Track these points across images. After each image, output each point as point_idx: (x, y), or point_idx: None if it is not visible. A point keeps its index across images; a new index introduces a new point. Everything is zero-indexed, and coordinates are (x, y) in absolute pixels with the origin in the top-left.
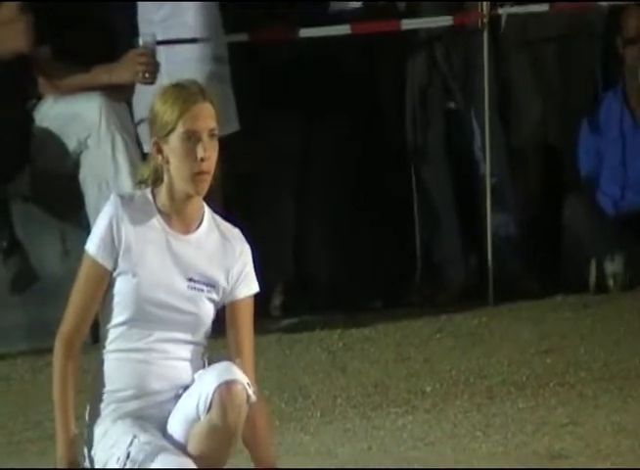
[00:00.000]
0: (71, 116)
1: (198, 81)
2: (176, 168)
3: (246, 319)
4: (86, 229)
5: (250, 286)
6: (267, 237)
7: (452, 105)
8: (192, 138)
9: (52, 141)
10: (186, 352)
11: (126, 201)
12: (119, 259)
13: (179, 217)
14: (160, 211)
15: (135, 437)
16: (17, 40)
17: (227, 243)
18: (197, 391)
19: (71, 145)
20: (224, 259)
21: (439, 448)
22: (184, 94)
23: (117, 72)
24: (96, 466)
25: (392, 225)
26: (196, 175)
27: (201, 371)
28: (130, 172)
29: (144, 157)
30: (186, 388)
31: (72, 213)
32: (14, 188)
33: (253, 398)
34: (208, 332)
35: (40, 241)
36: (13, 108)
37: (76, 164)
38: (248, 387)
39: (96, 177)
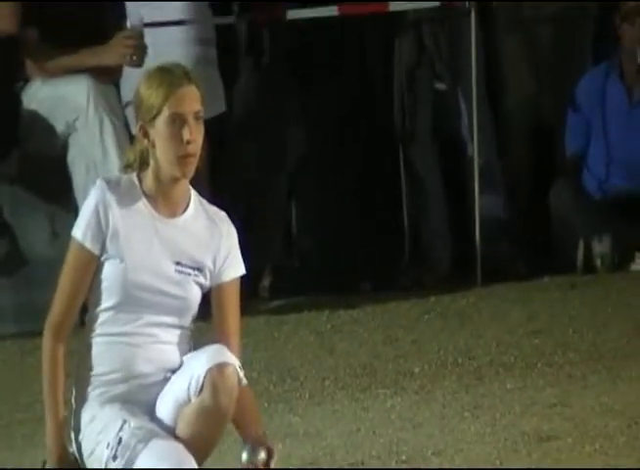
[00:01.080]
0: (59, 98)
1: (182, 64)
2: (162, 152)
3: (232, 302)
4: (74, 212)
5: (236, 268)
6: (257, 219)
7: (440, 86)
8: (177, 121)
9: (40, 123)
10: (173, 335)
11: (112, 185)
12: (107, 244)
13: (165, 201)
14: (146, 195)
15: (125, 422)
16: (4, 22)
17: (214, 226)
18: (187, 373)
19: (59, 127)
20: (211, 242)
21: (428, 430)
22: (169, 78)
23: (105, 55)
24: (84, 452)
25: (381, 207)
26: (182, 158)
27: (189, 354)
28: (118, 155)
29: (132, 139)
30: (173, 371)
31: (61, 196)
32: (1, 170)
33: (244, 381)
34: (195, 316)
35: (28, 224)
36: (0, 90)
37: (64, 147)
38: (239, 370)
39: (84, 159)
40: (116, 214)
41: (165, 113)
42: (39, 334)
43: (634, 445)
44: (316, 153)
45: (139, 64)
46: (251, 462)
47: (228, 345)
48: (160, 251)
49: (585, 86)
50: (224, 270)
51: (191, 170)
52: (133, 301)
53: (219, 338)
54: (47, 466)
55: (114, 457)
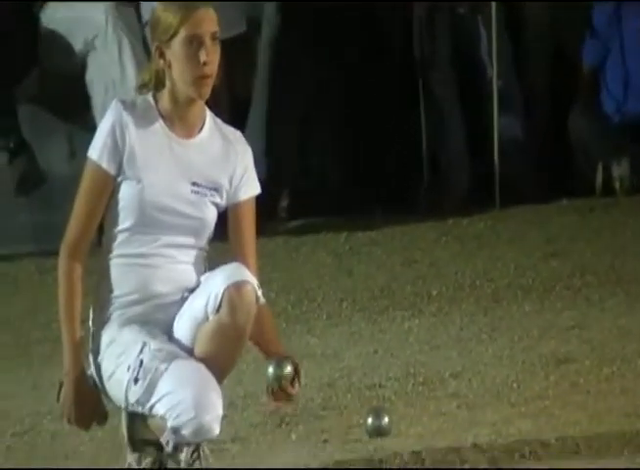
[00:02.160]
0: (78, 17)
1: None
2: (179, 73)
3: (248, 221)
4: (93, 131)
5: (252, 187)
6: (276, 141)
7: (461, 10)
8: (194, 42)
9: (59, 42)
10: (189, 256)
11: (128, 106)
12: (123, 165)
13: (182, 122)
14: (162, 116)
15: (145, 344)
16: None
17: (229, 145)
18: (205, 292)
19: (78, 46)
20: (227, 162)
21: (445, 352)
22: None
23: None
24: (103, 374)
25: (401, 132)
26: (199, 79)
27: (207, 273)
28: (137, 74)
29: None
30: (191, 291)
31: (79, 115)
32: (21, 89)
33: (262, 299)
34: (211, 236)
35: (47, 142)
36: (19, 10)
37: (83, 66)
38: (257, 288)
39: (103, 79)
40: (133, 135)
41: (182, 34)
42: (57, 253)
43: None
44: (336, 78)
45: None
46: (277, 377)
47: (246, 264)
48: (176, 171)
49: (603, 11)
50: (240, 188)
51: (207, 91)
52: (150, 221)
53: (236, 257)
54: (64, 388)
55: (136, 380)
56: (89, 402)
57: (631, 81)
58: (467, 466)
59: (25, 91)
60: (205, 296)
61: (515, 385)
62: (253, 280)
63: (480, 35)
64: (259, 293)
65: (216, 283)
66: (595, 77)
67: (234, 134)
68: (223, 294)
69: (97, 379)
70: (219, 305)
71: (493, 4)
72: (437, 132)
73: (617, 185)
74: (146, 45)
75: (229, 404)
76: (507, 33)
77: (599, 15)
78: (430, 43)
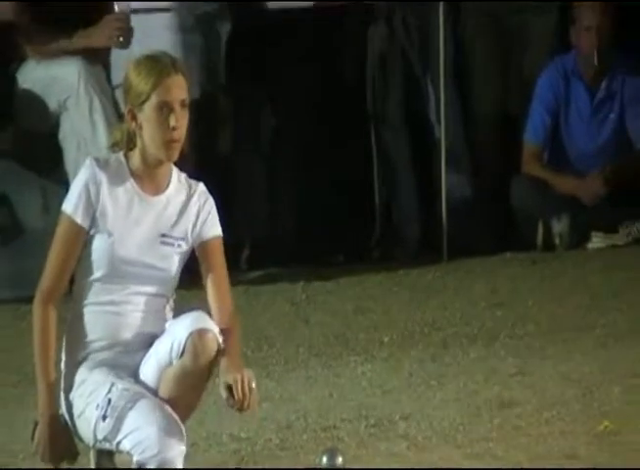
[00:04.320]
0: (52, 78)
1: (169, 53)
2: (150, 136)
3: (217, 258)
4: (66, 185)
5: (215, 227)
6: (238, 196)
7: (410, 73)
8: (164, 108)
9: (34, 102)
10: (156, 304)
11: (102, 164)
12: (96, 219)
13: (151, 180)
14: (132, 175)
15: (113, 384)
16: (2, 8)
17: (193, 196)
18: (169, 338)
19: (52, 106)
20: (191, 210)
21: (396, 396)
22: (158, 66)
23: (94, 37)
24: (74, 412)
25: (355, 186)
26: (168, 142)
27: (171, 321)
28: (107, 132)
29: (120, 117)
30: (156, 337)
31: (53, 170)
32: None
33: (222, 346)
34: (176, 285)
35: (22, 196)
36: None
37: (56, 124)
38: (218, 335)
39: (75, 136)
40: (105, 192)
41: (153, 100)
42: (32, 300)
43: (589, 412)
44: (295, 136)
45: (126, 46)
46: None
47: (221, 296)
48: (145, 226)
49: (548, 82)
50: (204, 229)
51: (175, 154)
52: (119, 273)
53: (212, 293)
54: (39, 427)
55: (104, 417)
56: (62, 440)
57: (573, 150)
58: None
59: (1, 147)
60: (169, 342)
61: (461, 427)
62: (215, 328)
63: (430, 97)
64: (220, 340)
65: (180, 330)
66: (538, 154)
67: (196, 185)
68: (186, 340)
69: (68, 418)
70: (182, 351)
71: (442, 68)
72: (390, 189)
73: (556, 240)
74: (116, 104)
75: (191, 445)
76: (456, 96)
77: (544, 84)
78: (382, 104)
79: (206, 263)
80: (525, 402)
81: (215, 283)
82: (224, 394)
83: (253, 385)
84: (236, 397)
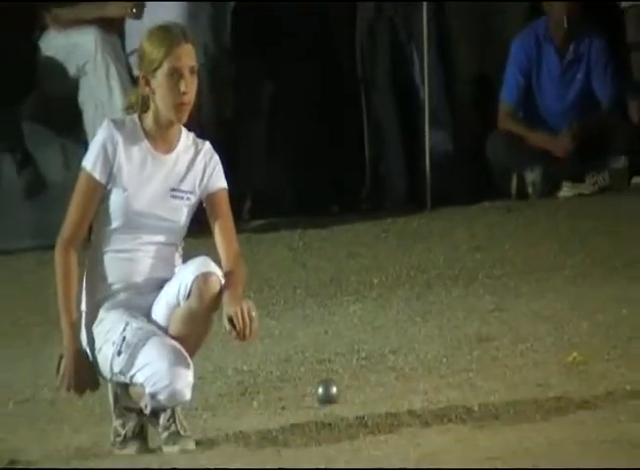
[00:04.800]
0: (72, 45)
1: (180, 24)
2: (162, 99)
3: (223, 208)
4: (85, 144)
5: (221, 180)
6: (240, 153)
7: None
8: (175, 75)
9: (55, 68)
10: (166, 251)
11: (118, 125)
12: (113, 175)
13: (162, 140)
14: (146, 135)
15: (128, 323)
16: None
17: (200, 152)
18: (177, 281)
19: (72, 71)
20: (198, 166)
21: (385, 332)
22: (169, 36)
23: (109, 7)
24: (95, 346)
25: (347, 144)
26: (178, 105)
27: (179, 266)
28: (122, 95)
29: (134, 82)
30: (166, 281)
31: (73, 131)
32: (22, 109)
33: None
34: (184, 234)
35: (45, 155)
36: (21, 39)
37: (76, 89)
38: (221, 278)
39: (93, 100)
40: (121, 150)
41: (165, 67)
42: (53, 248)
43: (559, 345)
44: (294, 99)
45: (138, 16)
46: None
47: (227, 244)
48: (157, 181)
49: (521, 46)
50: (210, 182)
51: (185, 116)
52: (133, 224)
53: (220, 241)
54: (63, 360)
55: (119, 353)
56: (84, 372)
57: (545, 109)
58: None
59: (26, 111)
60: (177, 285)
61: (444, 359)
62: (218, 271)
63: (414, 62)
64: (223, 281)
65: (187, 274)
66: (512, 112)
67: (203, 144)
68: (192, 283)
69: (89, 351)
70: (189, 293)
71: (425, 35)
72: (379, 146)
73: (530, 189)
74: (130, 70)
75: (199, 378)
76: (438, 61)
77: (517, 49)
78: (371, 69)
79: (214, 213)
80: (501, 336)
81: (222, 230)
82: (227, 326)
83: (254, 314)
84: (237, 326)
